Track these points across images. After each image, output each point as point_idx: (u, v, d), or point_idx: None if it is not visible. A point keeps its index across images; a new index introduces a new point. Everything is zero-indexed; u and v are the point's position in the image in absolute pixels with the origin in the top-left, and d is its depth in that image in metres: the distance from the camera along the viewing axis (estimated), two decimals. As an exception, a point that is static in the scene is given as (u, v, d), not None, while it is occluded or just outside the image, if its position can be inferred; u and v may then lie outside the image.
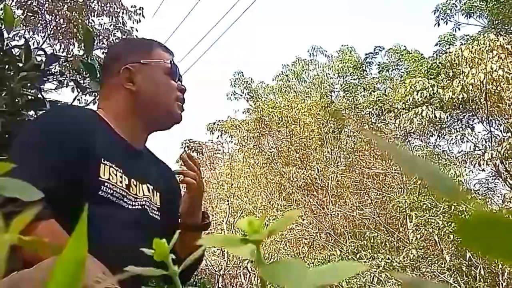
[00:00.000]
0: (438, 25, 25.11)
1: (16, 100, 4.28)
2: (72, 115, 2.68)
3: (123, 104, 2.80)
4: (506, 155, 16.71)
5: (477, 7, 23.64)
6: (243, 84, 29.55)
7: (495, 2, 21.92)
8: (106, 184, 2.49)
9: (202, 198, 2.84)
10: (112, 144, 2.65)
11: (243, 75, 29.85)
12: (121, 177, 2.57)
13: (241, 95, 29.90)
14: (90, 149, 2.50)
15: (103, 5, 18.06)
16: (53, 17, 17.55)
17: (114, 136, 2.71)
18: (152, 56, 2.87)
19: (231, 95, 30.19)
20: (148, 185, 2.76)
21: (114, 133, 2.72)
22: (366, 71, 30.04)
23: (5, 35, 4.32)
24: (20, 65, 4.29)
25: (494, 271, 17.03)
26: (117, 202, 2.52)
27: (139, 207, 2.64)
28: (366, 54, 30.49)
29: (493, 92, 17.57)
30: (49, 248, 0.83)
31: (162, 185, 2.87)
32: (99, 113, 2.80)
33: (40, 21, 17.57)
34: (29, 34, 16.88)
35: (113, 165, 2.55)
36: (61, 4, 17.48)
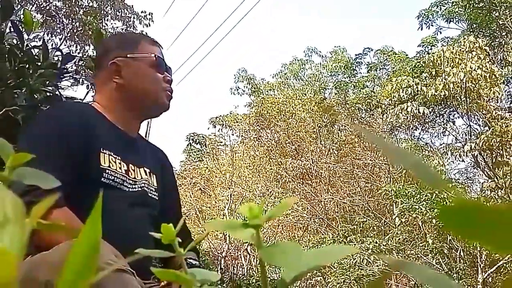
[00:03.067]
0: (421, 29, 25.19)
1: (35, 96, 4.28)
2: (71, 110, 2.69)
3: (113, 96, 2.80)
4: (484, 147, 16.72)
5: (457, 12, 23.69)
6: (246, 80, 29.62)
7: (473, 8, 21.93)
8: (107, 171, 2.51)
9: None
10: (109, 134, 2.66)
11: (246, 72, 29.91)
12: (120, 163, 2.59)
13: (244, 91, 29.98)
14: (90, 140, 2.51)
15: (115, 10, 18.07)
16: (69, 21, 17.56)
17: (110, 126, 2.72)
18: (138, 50, 2.86)
19: (235, 90, 30.26)
20: (145, 168, 2.77)
21: (109, 123, 2.73)
22: (356, 70, 30.19)
23: (25, 36, 4.31)
24: (39, 64, 4.29)
25: (473, 253, 17.04)
26: (118, 187, 2.54)
27: (139, 189, 2.66)
28: (356, 55, 30.65)
29: (472, 90, 17.58)
30: (65, 231, 0.84)
31: (156, 166, 2.89)
32: (95, 105, 2.81)
33: (58, 25, 17.58)
34: (47, 36, 16.89)
35: (112, 153, 2.57)
36: (77, 9, 17.50)
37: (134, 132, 2.89)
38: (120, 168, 2.59)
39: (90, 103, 2.97)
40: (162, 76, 2.87)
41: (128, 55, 2.83)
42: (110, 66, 2.81)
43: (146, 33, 18.16)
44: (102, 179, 2.48)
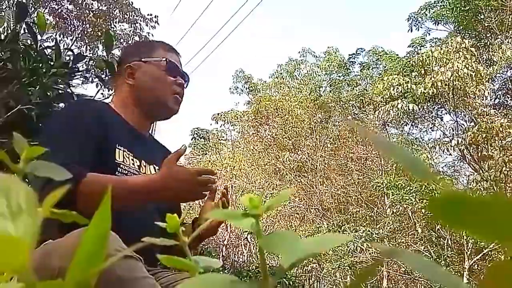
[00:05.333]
0: (411, 30, 25.20)
1: (48, 93, 4.28)
2: (89, 107, 2.69)
3: (126, 97, 2.82)
4: (470, 142, 16.74)
5: (445, 15, 23.72)
6: (244, 80, 29.64)
7: (460, 11, 21.96)
8: (121, 165, 2.51)
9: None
10: (123, 131, 2.67)
11: (244, 72, 29.94)
12: (132, 159, 2.60)
13: (242, 90, 30.00)
14: (106, 136, 2.52)
15: (123, 13, 18.08)
16: (80, 23, 17.57)
17: (124, 124, 2.73)
18: (152, 55, 2.87)
19: (234, 89, 30.29)
20: (155, 165, 2.77)
21: (123, 121, 2.74)
22: (350, 69, 30.16)
23: (39, 37, 4.31)
24: (51, 63, 4.29)
25: (460, 242, 17.08)
26: None
27: None
28: (349, 55, 30.62)
29: (459, 88, 17.59)
30: (76, 218, 0.84)
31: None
32: (111, 104, 2.83)
33: (69, 26, 17.59)
34: (59, 37, 16.88)
35: (126, 150, 2.57)
36: (88, 12, 17.52)
37: (145, 131, 2.90)
38: (133, 164, 2.60)
39: (107, 102, 2.99)
40: (174, 79, 2.86)
41: (142, 59, 2.85)
42: (125, 69, 2.85)
43: (153, 34, 18.17)
44: (116, 173, 2.49)
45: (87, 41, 17.62)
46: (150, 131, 2.99)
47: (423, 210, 16.18)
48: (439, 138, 21.72)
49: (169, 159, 2.39)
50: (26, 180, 1.96)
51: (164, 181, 2.34)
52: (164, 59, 2.86)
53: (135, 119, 2.80)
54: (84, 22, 17.54)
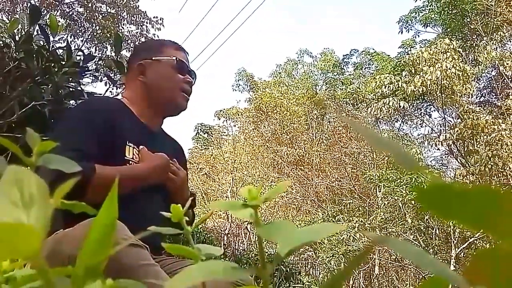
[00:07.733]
0: (402, 32, 25.22)
1: (60, 91, 4.28)
2: (102, 104, 2.71)
3: (138, 93, 2.82)
4: (457, 137, 16.74)
5: (433, 18, 23.77)
6: (246, 78, 29.68)
7: (448, 14, 21.98)
8: (130, 162, 2.52)
9: (185, 186, 2.81)
10: (134, 128, 2.66)
11: (246, 71, 29.97)
12: None
13: (244, 88, 30.03)
14: (118, 133, 2.52)
15: (131, 15, 18.10)
16: (90, 25, 17.60)
17: (136, 120, 2.73)
18: (162, 54, 2.86)
19: (236, 87, 30.32)
20: None
21: (135, 117, 2.73)
22: (344, 69, 30.24)
23: (51, 38, 4.31)
24: (63, 63, 4.30)
25: (447, 231, 17.07)
26: None
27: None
28: (343, 55, 30.66)
29: (447, 86, 17.58)
30: (86, 208, 0.84)
31: (174, 159, 2.84)
32: (123, 101, 2.82)
33: (80, 28, 17.60)
34: (70, 38, 16.89)
35: (136, 147, 2.57)
36: (97, 15, 17.55)
37: (156, 127, 2.88)
38: None
39: (119, 98, 2.97)
40: (183, 77, 2.86)
41: (153, 58, 2.85)
42: (137, 66, 2.85)
43: (158, 36, 18.16)
44: None
45: (96, 42, 17.65)
46: (161, 127, 2.98)
47: (412, 202, 16.18)
48: (427, 134, 21.74)
49: (144, 150, 2.59)
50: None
51: (148, 165, 2.54)
52: (174, 57, 2.86)
53: (146, 116, 2.79)
54: (93, 24, 17.57)
